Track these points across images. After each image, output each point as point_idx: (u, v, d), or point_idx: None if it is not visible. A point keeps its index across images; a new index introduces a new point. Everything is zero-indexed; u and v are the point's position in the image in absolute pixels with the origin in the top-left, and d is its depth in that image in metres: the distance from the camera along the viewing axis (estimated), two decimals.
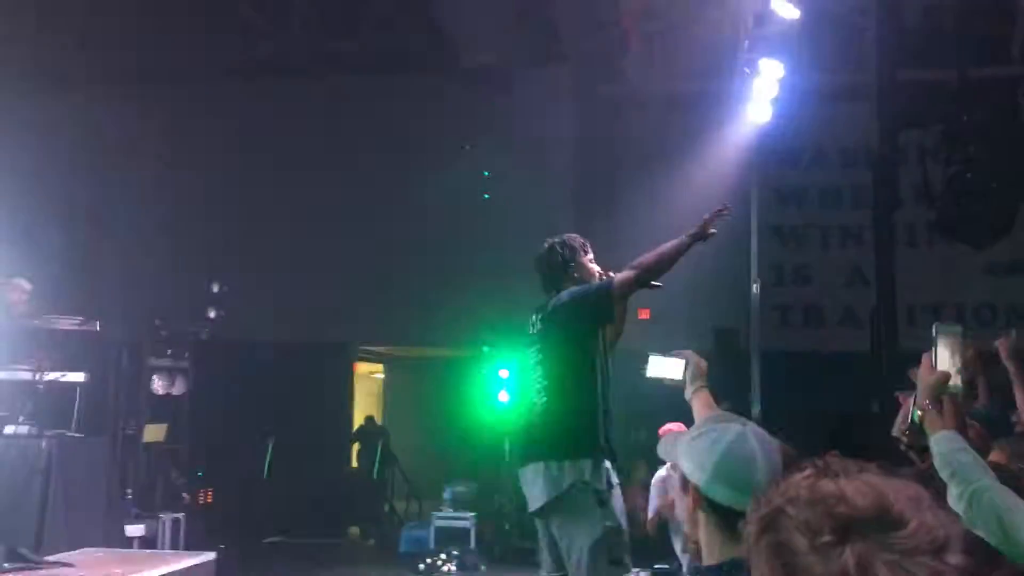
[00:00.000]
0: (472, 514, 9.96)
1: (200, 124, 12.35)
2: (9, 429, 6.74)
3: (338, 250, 12.16)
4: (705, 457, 1.89)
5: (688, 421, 2.60)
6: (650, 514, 6.58)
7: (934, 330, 2.52)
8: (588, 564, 3.92)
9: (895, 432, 3.99)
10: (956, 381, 2.48)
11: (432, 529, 9.86)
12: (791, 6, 8.67)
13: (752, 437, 1.91)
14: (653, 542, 6.86)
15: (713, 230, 4.07)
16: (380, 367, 16.16)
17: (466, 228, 11.81)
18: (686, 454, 1.94)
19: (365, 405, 14.84)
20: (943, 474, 2.28)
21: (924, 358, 2.54)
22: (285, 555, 10.21)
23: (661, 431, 5.31)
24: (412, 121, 12.23)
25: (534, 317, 4.28)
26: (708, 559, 1.89)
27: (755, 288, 11.45)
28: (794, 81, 9.87)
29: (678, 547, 6.25)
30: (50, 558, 5.67)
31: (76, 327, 7.48)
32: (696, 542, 1.96)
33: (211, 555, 6.44)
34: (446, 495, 10.27)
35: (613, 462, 4.09)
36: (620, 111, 12.56)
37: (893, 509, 0.83)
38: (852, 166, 12.65)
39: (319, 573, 9.05)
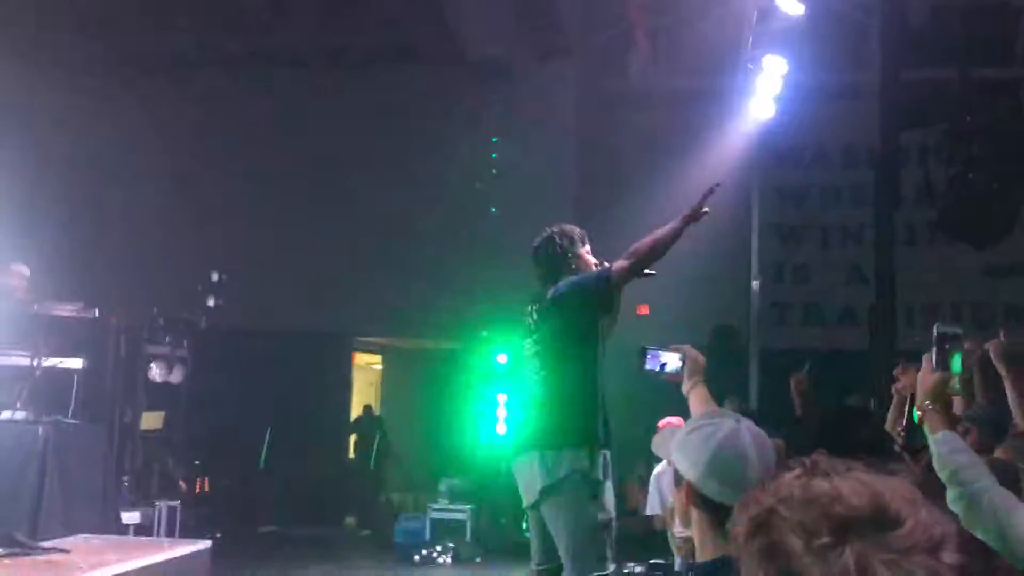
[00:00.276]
0: (468, 506, 9.97)
1: (201, 114, 12.32)
2: (5, 415, 6.74)
3: (338, 241, 12.15)
4: (698, 453, 1.89)
5: (687, 415, 2.60)
6: (648, 509, 6.58)
7: (934, 331, 2.51)
8: (580, 554, 3.93)
9: (887, 427, 3.99)
10: (955, 383, 2.48)
11: (428, 521, 9.87)
12: (796, 3, 8.66)
13: (745, 433, 1.91)
14: (649, 537, 6.87)
15: (706, 209, 4.01)
16: (378, 358, 16.15)
17: (466, 220, 11.81)
18: (679, 450, 1.94)
19: (363, 396, 14.85)
20: (942, 475, 2.28)
21: (924, 359, 2.53)
22: (280, 545, 10.22)
23: (660, 424, 5.31)
24: (415, 114, 12.21)
25: (531, 307, 4.27)
26: (701, 555, 1.89)
27: (755, 285, 11.48)
28: (797, 78, 9.86)
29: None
30: (45, 543, 5.67)
31: (75, 313, 7.47)
32: (687, 539, 1.96)
33: (206, 543, 6.44)
34: (442, 487, 10.28)
35: (608, 452, 4.10)
36: (623, 106, 12.55)
37: (890, 508, 0.83)
38: (853, 165, 12.65)
39: (314, 563, 9.05)
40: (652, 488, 6.59)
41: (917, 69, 10.09)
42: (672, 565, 6.52)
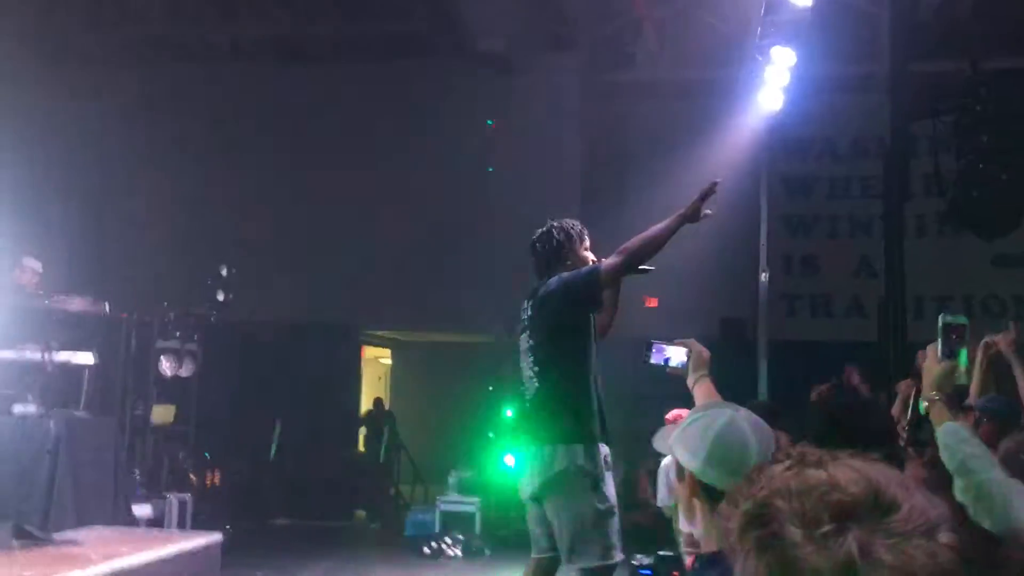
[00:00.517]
0: (477, 498, 9.99)
1: (208, 106, 12.36)
2: (18, 408, 6.78)
3: (347, 234, 12.17)
4: (698, 443, 1.90)
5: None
6: (659, 502, 6.58)
7: (940, 321, 2.52)
8: (580, 547, 3.95)
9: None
10: (962, 372, 2.48)
11: (437, 513, 9.88)
12: None
13: (743, 421, 1.93)
14: (656, 528, 6.88)
15: (708, 211, 4.00)
16: (387, 351, 16.19)
17: (474, 214, 11.81)
18: (679, 442, 1.96)
19: (372, 389, 14.88)
20: (950, 466, 2.28)
21: (930, 349, 2.53)
22: (291, 537, 10.26)
23: (668, 416, 5.32)
24: (421, 106, 12.22)
25: (526, 303, 4.31)
26: (707, 545, 1.91)
27: (763, 277, 11.45)
28: (805, 70, 9.83)
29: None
30: (58, 536, 5.72)
31: (85, 308, 7.50)
32: (690, 534, 1.98)
33: (218, 535, 6.47)
34: (451, 479, 10.30)
35: (607, 445, 4.11)
36: (630, 97, 12.52)
37: (886, 494, 0.84)
38: (862, 156, 12.61)
39: (324, 555, 9.09)
40: (661, 480, 6.59)
41: (926, 60, 10.04)
42: (678, 559, 6.54)
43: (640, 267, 4.08)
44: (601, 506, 3.98)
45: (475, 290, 11.11)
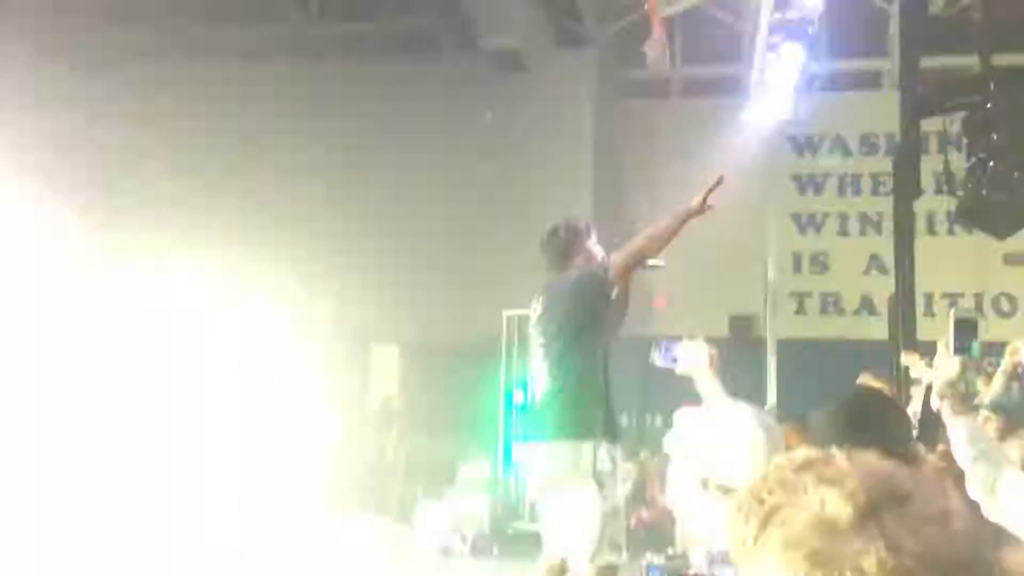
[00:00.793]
0: (485, 496, 10.00)
1: (217, 108, 12.37)
2: None
3: (355, 234, 12.18)
4: (705, 441, 1.90)
5: None
6: (668, 502, 6.57)
7: (951, 317, 2.50)
8: (587, 545, 3.95)
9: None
10: (972, 368, 2.47)
11: (446, 512, 9.90)
12: None
13: (750, 418, 1.93)
14: (665, 527, 6.88)
15: (711, 204, 4.01)
16: (395, 349, 16.19)
17: (482, 211, 11.81)
18: (687, 443, 1.96)
19: (380, 387, 14.89)
20: (964, 461, 2.27)
21: (941, 345, 2.52)
22: None
23: (677, 415, 5.31)
24: (431, 105, 12.21)
25: (536, 300, 4.32)
26: (718, 543, 1.90)
27: (772, 275, 11.42)
28: (815, 67, 9.80)
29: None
30: None
31: None
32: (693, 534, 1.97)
33: None
34: (459, 477, 10.31)
35: (615, 443, 4.11)
36: (640, 95, 12.51)
37: (900, 485, 0.84)
38: (872, 153, 12.57)
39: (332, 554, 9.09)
40: (670, 480, 6.58)
41: (936, 56, 10.00)
42: (688, 556, 6.52)
43: (649, 263, 4.10)
44: (609, 505, 3.98)
45: (485, 288, 11.11)
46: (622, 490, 4.12)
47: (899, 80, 9.77)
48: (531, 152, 11.66)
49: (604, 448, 4.03)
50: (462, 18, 11.90)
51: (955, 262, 11.42)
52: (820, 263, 12.86)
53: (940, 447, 2.68)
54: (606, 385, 4.13)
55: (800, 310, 12.63)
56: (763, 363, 11.16)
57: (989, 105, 7.76)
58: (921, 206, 10.33)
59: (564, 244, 4.28)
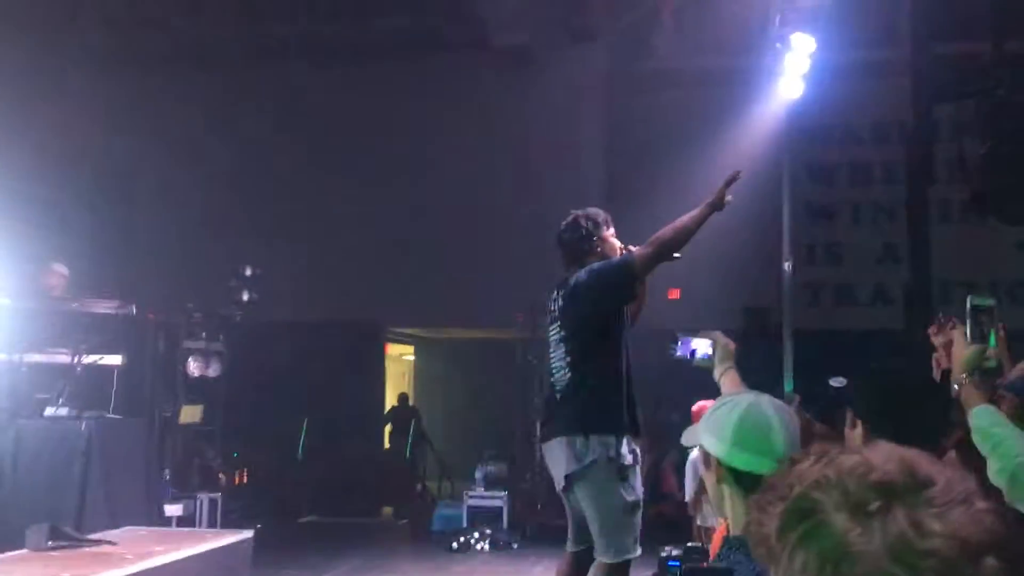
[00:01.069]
0: (504, 493, 10.01)
1: (232, 106, 12.42)
2: (49, 411, 6.87)
3: (370, 231, 12.22)
4: (722, 427, 1.92)
5: None
6: (687, 496, 6.57)
7: (967, 303, 2.50)
8: (611, 536, 3.96)
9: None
10: (991, 354, 2.47)
11: (464, 508, 9.92)
12: None
13: (766, 404, 1.94)
14: (681, 520, 6.88)
15: (729, 197, 4.03)
16: (410, 348, 16.25)
17: (497, 209, 11.82)
18: (705, 430, 1.97)
19: (395, 386, 14.94)
20: (983, 449, 2.27)
21: (957, 332, 2.52)
22: (319, 534, 10.33)
23: (694, 409, 5.32)
24: (443, 102, 12.22)
25: (555, 294, 4.30)
26: (735, 529, 1.92)
27: (786, 266, 11.38)
28: (826, 56, 9.75)
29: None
30: (92, 536, 5.79)
31: (112, 310, 7.58)
32: (706, 529, 1.99)
33: (248, 533, 6.53)
34: (478, 474, 10.33)
35: (636, 437, 4.11)
36: (651, 87, 12.47)
37: (921, 469, 0.84)
38: (885, 142, 12.50)
39: (352, 552, 9.14)
40: (688, 474, 6.58)
41: (948, 43, 9.94)
42: (707, 551, 6.52)
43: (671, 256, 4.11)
44: (629, 498, 3.99)
45: (499, 285, 11.12)
46: (641, 484, 4.13)
47: (910, 67, 9.72)
48: (543, 146, 11.66)
49: (627, 441, 4.04)
50: (472, 15, 11.90)
51: (970, 250, 11.35)
52: (834, 253, 12.81)
53: (958, 432, 2.68)
54: (626, 380, 4.13)
55: (815, 301, 12.59)
56: (779, 354, 11.13)
57: (1002, 91, 7.71)
58: (934, 194, 10.31)
59: (584, 236, 4.26)
